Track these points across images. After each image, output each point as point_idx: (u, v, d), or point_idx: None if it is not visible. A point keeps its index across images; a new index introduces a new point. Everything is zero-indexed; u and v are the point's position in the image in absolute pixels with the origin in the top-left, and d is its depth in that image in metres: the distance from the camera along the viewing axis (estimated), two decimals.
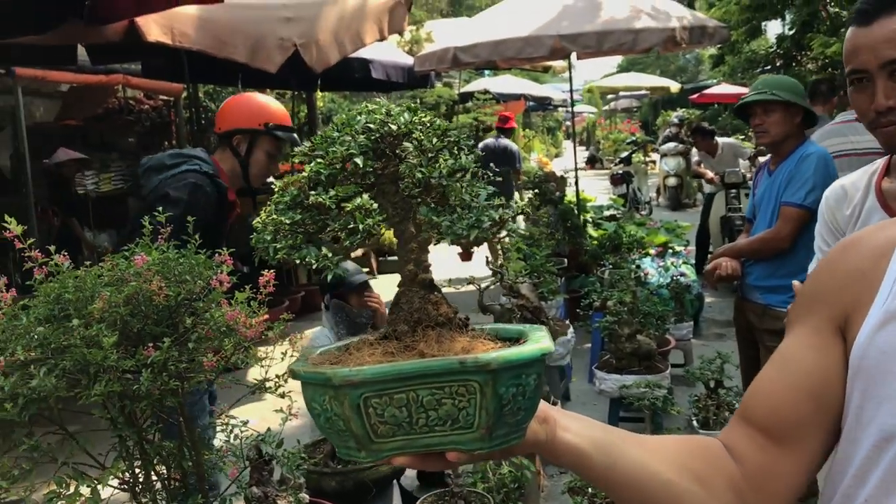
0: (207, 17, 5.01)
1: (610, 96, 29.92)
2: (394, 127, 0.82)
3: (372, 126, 0.82)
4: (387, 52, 8.42)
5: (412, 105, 0.84)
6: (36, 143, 6.87)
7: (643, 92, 25.30)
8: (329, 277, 0.78)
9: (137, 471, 1.78)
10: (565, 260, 6.46)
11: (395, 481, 3.11)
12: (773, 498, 0.95)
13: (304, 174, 0.82)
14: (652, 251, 6.77)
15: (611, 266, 5.19)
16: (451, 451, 0.80)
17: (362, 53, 7.04)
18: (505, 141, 9.39)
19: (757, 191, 3.53)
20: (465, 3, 27.32)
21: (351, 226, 0.76)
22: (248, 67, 5.40)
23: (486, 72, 18.88)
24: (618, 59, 37.51)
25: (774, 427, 0.96)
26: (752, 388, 1.02)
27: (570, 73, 8.13)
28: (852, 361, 0.91)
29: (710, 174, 8.04)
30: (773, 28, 15.50)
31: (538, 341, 0.82)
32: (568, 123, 37.48)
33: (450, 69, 8.25)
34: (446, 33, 9.89)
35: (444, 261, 9.31)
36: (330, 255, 0.78)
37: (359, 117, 0.83)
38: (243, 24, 5.35)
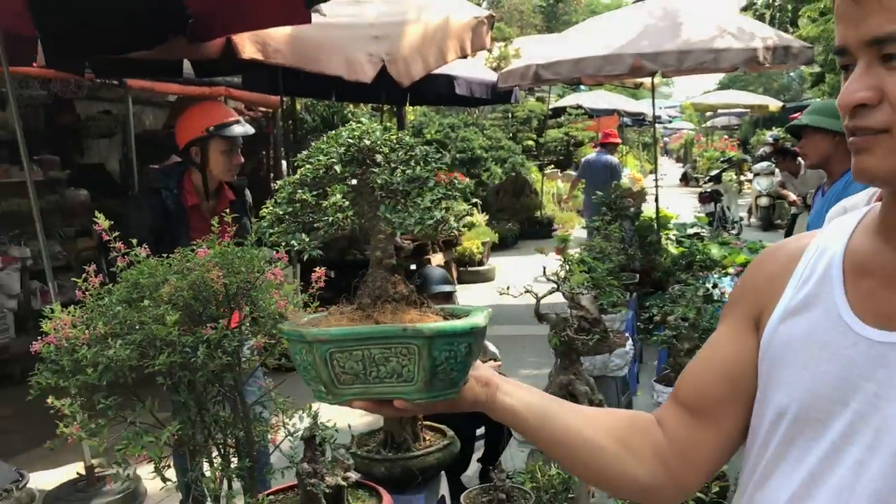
0: (298, 35, 5.35)
1: (709, 113, 29.36)
2: (367, 142, 1.03)
3: (351, 140, 1.03)
4: (472, 68, 8.66)
5: (387, 125, 1.05)
6: (144, 148, 7.37)
7: (742, 110, 24.74)
8: (304, 257, 1.00)
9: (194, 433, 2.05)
10: (637, 275, 6.52)
11: (442, 472, 3.30)
12: (694, 467, 1.11)
13: (297, 176, 1.05)
14: (731, 270, 6.78)
15: (683, 283, 5.25)
16: (397, 399, 1.00)
17: (447, 70, 7.28)
18: (606, 156, 9.72)
19: (812, 211, 3.58)
20: (562, 18, 27.36)
21: (325, 218, 0.98)
22: (342, 82, 5.72)
23: (582, 87, 18.86)
24: (719, 76, 36.74)
25: (697, 405, 1.11)
26: (683, 373, 1.18)
27: (654, 91, 8.19)
28: (761, 351, 1.05)
29: (792, 196, 7.93)
30: None
31: (472, 318, 1.02)
32: (666, 139, 36.89)
33: (531, 85, 8.42)
34: (533, 50, 10.10)
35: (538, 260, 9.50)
36: (307, 239, 1.00)
37: (343, 133, 1.05)
38: (333, 42, 5.67)
